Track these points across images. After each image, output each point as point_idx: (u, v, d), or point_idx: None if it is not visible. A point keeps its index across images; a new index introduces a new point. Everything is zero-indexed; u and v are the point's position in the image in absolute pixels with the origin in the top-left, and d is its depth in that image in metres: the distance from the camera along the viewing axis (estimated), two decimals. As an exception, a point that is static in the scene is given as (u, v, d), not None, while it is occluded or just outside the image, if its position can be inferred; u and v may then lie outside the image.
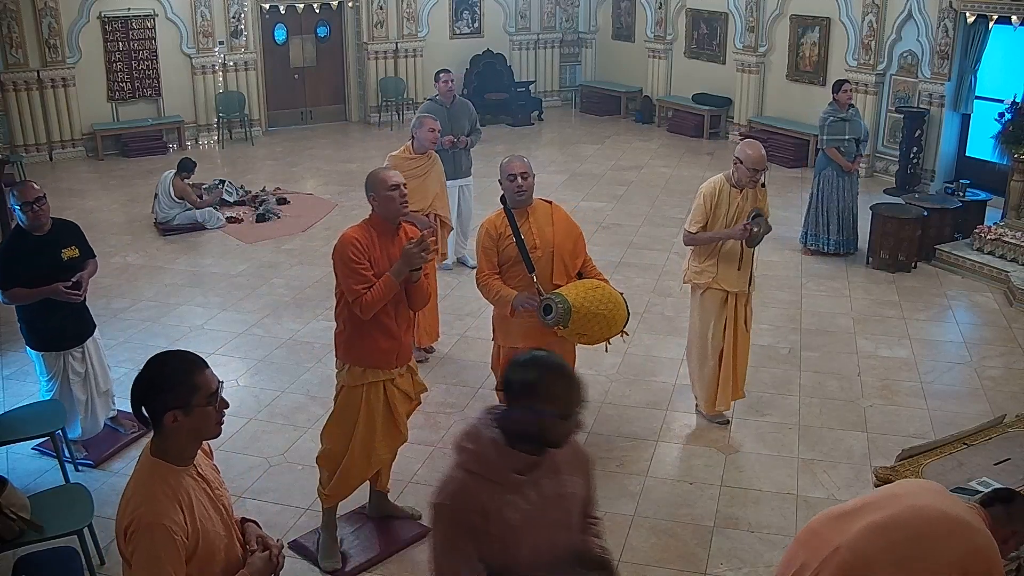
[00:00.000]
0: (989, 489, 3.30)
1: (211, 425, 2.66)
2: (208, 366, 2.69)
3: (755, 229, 5.48)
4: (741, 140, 6.27)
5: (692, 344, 5.94)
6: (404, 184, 4.39)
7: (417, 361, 6.81)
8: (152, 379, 2.61)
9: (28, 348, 5.45)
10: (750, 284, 5.75)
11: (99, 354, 5.66)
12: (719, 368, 5.80)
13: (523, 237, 4.91)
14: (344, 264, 4.25)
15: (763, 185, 5.62)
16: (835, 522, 3.12)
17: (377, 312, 4.29)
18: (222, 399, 2.68)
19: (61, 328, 5.33)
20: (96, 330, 5.63)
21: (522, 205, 5.00)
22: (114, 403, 5.83)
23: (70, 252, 5.29)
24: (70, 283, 5.19)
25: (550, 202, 5.14)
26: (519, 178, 4.92)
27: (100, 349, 5.70)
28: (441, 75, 8.46)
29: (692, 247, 5.73)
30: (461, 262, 8.87)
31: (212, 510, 2.69)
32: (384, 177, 4.36)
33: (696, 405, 6.11)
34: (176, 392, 2.58)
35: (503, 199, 5.05)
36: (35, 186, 5.19)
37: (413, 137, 6.97)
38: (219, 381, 2.68)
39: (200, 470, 2.73)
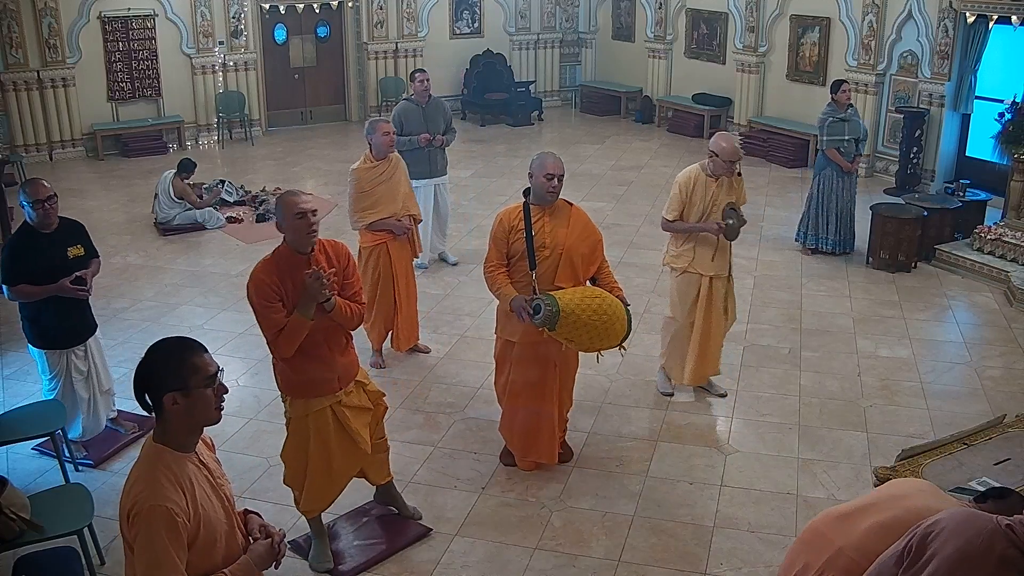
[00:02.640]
0: (985, 488, 3.31)
1: (210, 409, 2.68)
2: (207, 350, 2.72)
3: (730, 222, 5.78)
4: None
5: (669, 321, 6.21)
6: (314, 211, 4.11)
7: (419, 352, 6.90)
8: (151, 363, 2.65)
9: (30, 346, 5.46)
10: (729, 270, 6.05)
11: (101, 353, 5.69)
12: (693, 345, 6.09)
13: (534, 234, 4.91)
14: (254, 309, 4.09)
15: (739, 174, 5.90)
16: (837, 522, 3.12)
17: (308, 345, 4.14)
18: (221, 384, 2.71)
19: (64, 326, 5.35)
20: (97, 329, 5.65)
21: (547, 204, 5.01)
22: (114, 403, 5.85)
23: (75, 251, 5.33)
24: (73, 277, 5.22)
25: (571, 204, 5.13)
26: (556, 179, 4.94)
27: (101, 348, 5.73)
28: (416, 75, 8.48)
29: (670, 232, 6.07)
30: (442, 259, 8.90)
31: (214, 497, 2.72)
32: (291, 202, 4.05)
33: (658, 385, 6.36)
34: (174, 373, 2.61)
35: (526, 192, 5.06)
36: (45, 184, 5.23)
37: (370, 144, 6.62)
38: (219, 367, 2.71)
39: (202, 458, 2.76)
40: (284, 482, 4.61)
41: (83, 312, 5.46)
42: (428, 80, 8.43)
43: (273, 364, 4.39)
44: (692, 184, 5.85)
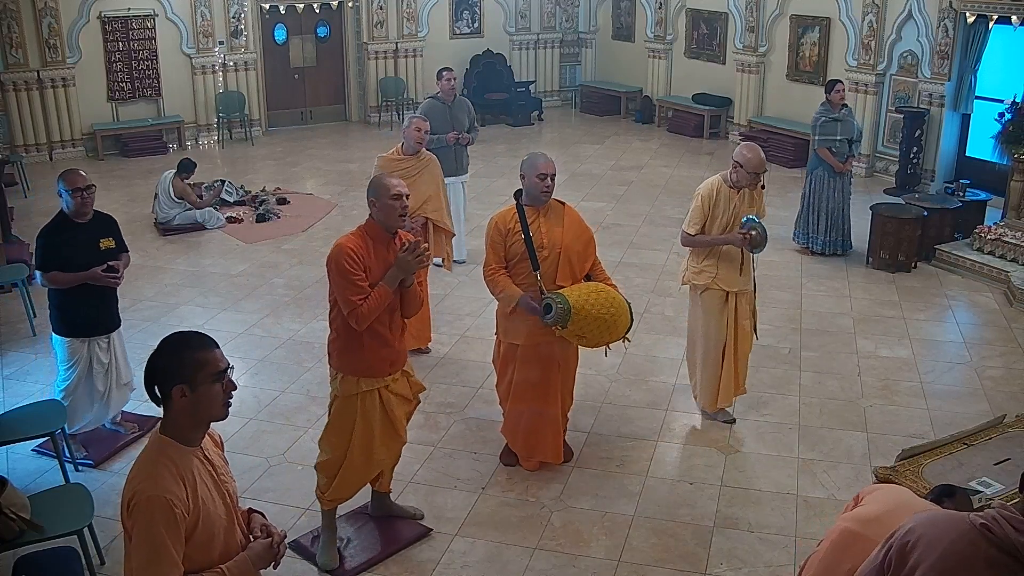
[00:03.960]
0: (933, 488, 3.32)
1: (217, 405, 2.70)
2: (217, 346, 2.74)
3: (753, 233, 5.49)
4: (741, 141, 6.32)
5: (694, 343, 5.94)
6: (407, 196, 4.33)
7: (419, 352, 6.90)
8: (162, 355, 2.66)
9: (54, 334, 5.53)
10: (754, 285, 5.79)
11: (123, 347, 5.78)
12: (721, 366, 5.82)
13: (531, 235, 4.92)
14: (340, 274, 4.20)
15: (763, 187, 5.67)
16: (873, 524, 3.10)
17: (375, 322, 4.26)
18: (230, 381, 2.72)
19: (92, 315, 5.45)
20: (121, 325, 5.73)
21: (541, 204, 5.00)
22: (129, 397, 5.88)
23: (107, 243, 5.45)
24: (105, 266, 5.34)
25: (563, 203, 5.13)
26: (549, 178, 4.94)
27: (123, 343, 5.81)
28: (444, 73, 8.50)
29: (690, 248, 5.77)
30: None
31: (215, 493, 2.72)
32: (389, 184, 4.29)
33: (702, 409, 6.10)
34: (183, 367, 2.63)
35: (517, 194, 5.05)
36: (83, 173, 5.38)
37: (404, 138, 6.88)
38: (229, 364, 2.72)
39: (207, 454, 2.76)
40: (315, 468, 4.59)
41: (109, 304, 5.56)
42: (455, 79, 8.50)
43: (329, 340, 4.46)
44: (714, 196, 5.55)
